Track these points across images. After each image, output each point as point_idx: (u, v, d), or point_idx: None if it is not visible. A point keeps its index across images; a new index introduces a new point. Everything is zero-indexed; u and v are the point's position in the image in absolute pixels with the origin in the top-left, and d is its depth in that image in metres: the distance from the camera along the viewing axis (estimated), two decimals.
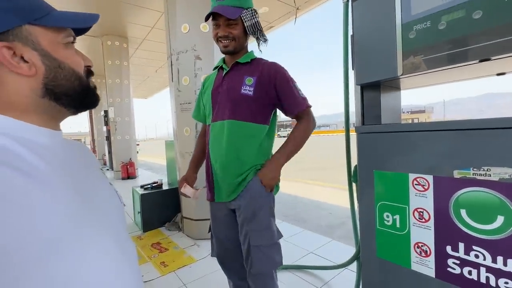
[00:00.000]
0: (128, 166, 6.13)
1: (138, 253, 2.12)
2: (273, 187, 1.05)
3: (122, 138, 6.16)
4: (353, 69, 0.95)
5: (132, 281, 0.42)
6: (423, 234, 0.76)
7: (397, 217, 0.83)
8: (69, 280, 0.32)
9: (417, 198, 0.77)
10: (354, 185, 1.25)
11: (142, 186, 2.78)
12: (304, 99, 1.06)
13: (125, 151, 6.21)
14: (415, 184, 0.77)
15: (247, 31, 1.03)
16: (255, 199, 1.03)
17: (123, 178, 6.08)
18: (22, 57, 0.36)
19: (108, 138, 6.88)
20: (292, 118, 1.13)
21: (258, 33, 1.06)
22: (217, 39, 1.03)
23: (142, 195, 2.53)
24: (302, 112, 1.07)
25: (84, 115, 12.95)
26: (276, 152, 1.06)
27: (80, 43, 6.06)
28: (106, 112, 6.56)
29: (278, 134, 49.49)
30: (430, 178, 0.74)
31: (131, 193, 2.96)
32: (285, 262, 1.86)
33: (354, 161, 1.04)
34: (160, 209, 2.65)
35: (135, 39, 6.01)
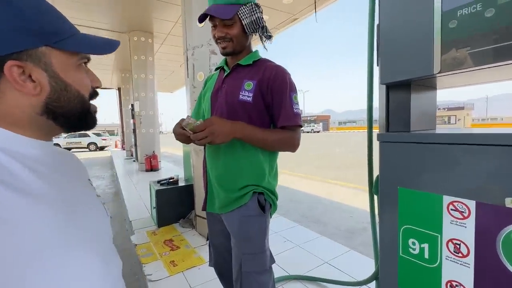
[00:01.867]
0: (152, 159, 6.34)
1: (150, 249, 2.14)
2: (207, 138, 0.80)
3: (146, 131, 6.36)
4: (377, 65, 0.80)
5: None
6: (459, 271, 0.62)
7: (425, 246, 0.68)
8: None
9: (453, 227, 0.62)
10: (376, 197, 1.11)
11: (159, 181, 2.81)
12: (297, 115, 0.93)
13: (149, 144, 6.42)
14: (451, 209, 0.62)
15: (246, 30, 0.92)
16: (248, 220, 0.93)
17: (146, 170, 6.30)
18: (29, 76, 0.35)
19: (134, 131, 7.17)
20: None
21: (260, 30, 0.95)
22: (215, 41, 0.96)
23: (157, 191, 2.55)
24: (290, 127, 0.93)
25: (115, 109, 13.71)
26: (247, 124, 0.89)
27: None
28: (132, 106, 6.81)
29: (302, 130, 48.31)
30: (471, 204, 0.58)
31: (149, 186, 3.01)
32: (297, 271, 1.76)
33: (376, 170, 0.89)
34: (174, 205, 2.66)
35: (160, 35, 6.12)
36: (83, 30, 0.42)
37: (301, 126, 0.96)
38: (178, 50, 7.12)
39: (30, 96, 0.36)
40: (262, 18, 0.95)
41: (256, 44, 0.90)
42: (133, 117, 7.07)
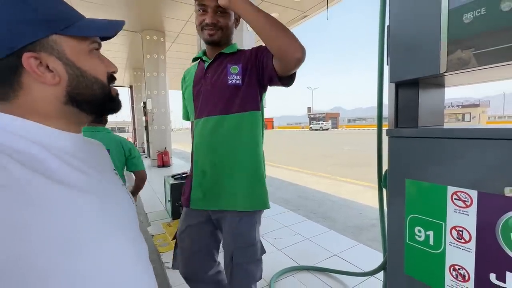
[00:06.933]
0: (163, 155, 6.50)
1: (166, 239, 2.25)
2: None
3: (158, 128, 6.52)
4: (387, 65, 0.85)
5: (145, 275, 0.44)
6: (461, 256, 0.67)
7: (430, 233, 0.73)
8: (89, 276, 0.34)
9: (456, 215, 0.67)
10: (384, 191, 1.16)
11: (173, 176, 2.92)
12: None
13: (161, 141, 6.58)
14: (455, 199, 0.67)
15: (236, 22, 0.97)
16: (244, 219, 0.96)
17: (158, 166, 6.47)
18: (47, 66, 0.36)
19: (146, 127, 7.36)
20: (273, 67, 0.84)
21: None
22: (202, 27, 0.92)
23: (172, 185, 2.66)
24: None
25: (127, 106, 14.00)
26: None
27: (123, 38, 6.48)
28: (144, 103, 6.99)
29: (310, 127, 47.83)
30: (474, 193, 0.63)
31: (163, 181, 3.13)
32: (307, 262, 1.82)
33: (386, 165, 0.94)
34: None
35: (171, 33, 6.23)
36: None
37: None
38: (189, 48, 7.23)
39: (52, 86, 0.37)
40: None
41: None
42: (145, 114, 7.25)
